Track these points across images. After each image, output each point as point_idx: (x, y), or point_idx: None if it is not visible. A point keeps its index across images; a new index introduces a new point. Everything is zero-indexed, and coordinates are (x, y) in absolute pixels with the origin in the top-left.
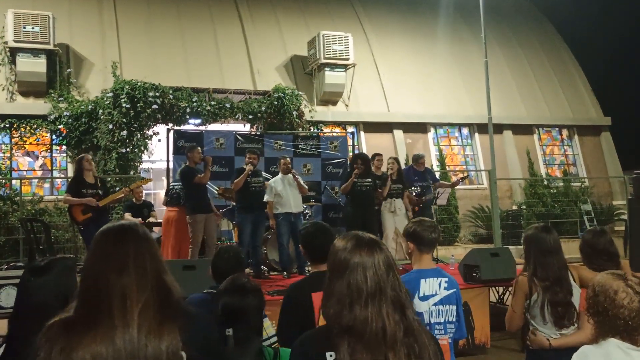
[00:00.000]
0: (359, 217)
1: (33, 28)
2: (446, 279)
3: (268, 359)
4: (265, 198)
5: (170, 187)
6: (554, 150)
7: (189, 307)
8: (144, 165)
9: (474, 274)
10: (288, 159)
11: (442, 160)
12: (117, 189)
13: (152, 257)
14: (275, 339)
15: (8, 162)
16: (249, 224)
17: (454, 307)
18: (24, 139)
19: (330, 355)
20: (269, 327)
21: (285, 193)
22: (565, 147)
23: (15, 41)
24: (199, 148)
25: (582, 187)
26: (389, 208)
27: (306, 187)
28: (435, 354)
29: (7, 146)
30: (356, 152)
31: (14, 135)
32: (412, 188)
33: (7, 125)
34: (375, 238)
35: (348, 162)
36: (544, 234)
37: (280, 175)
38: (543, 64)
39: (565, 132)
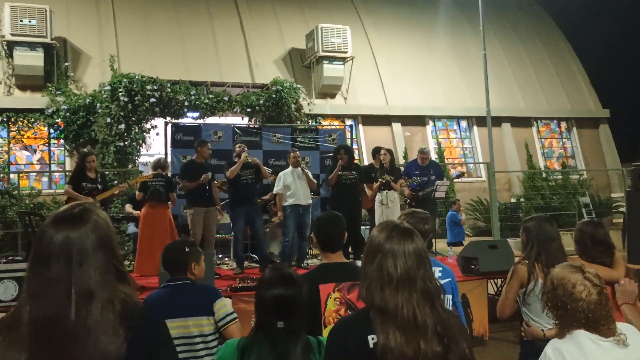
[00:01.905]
0: (346, 209)
1: (30, 21)
2: (440, 268)
3: (314, 348)
4: (275, 190)
5: (149, 182)
6: (553, 142)
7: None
8: (141, 159)
9: (472, 266)
10: (298, 152)
11: (440, 153)
12: (115, 182)
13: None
14: (232, 316)
15: (6, 156)
16: (242, 217)
17: (450, 297)
18: (22, 132)
19: (373, 339)
20: (227, 306)
21: (294, 185)
22: (563, 140)
23: (13, 35)
24: (209, 144)
25: (580, 179)
26: (381, 200)
27: (315, 181)
28: (464, 353)
29: (4, 140)
30: (355, 145)
31: (12, 129)
32: (409, 179)
33: (4, 119)
34: (410, 229)
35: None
36: (546, 224)
37: (290, 168)
38: (542, 57)
39: (563, 125)
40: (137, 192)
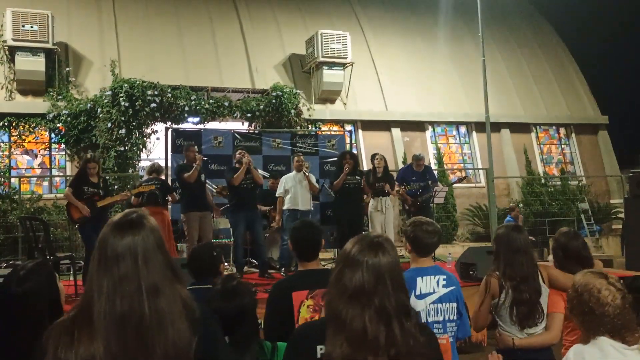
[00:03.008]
0: (347, 214)
1: (32, 27)
2: (444, 277)
3: (267, 353)
4: (277, 194)
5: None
6: (552, 148)
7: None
8: (142, 164)
9: (471, 272)
10: (302, 156)
11: (439, 158)
12: (116, 187)
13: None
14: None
15: (7, 161)
16: (241, 222)
17: (454, 305)
18: (23, 137)
19: (321, 349)
20: None
21: (294, 190)
22: (562, 146)
23: (14, 40)
24: (195, 147)
25: (579, 185)
26: (376, 207)
27: (317, 186)
28: None
29: (5, 145)
30: (355, 150)
31: (13, 134)
32: (407, 186)
33: (5, 124)
34: (381, 242)
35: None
36: (515, 233)
37: (293, 172)
38: (540, 63)
39: (562, 131)
40: (132, 198)
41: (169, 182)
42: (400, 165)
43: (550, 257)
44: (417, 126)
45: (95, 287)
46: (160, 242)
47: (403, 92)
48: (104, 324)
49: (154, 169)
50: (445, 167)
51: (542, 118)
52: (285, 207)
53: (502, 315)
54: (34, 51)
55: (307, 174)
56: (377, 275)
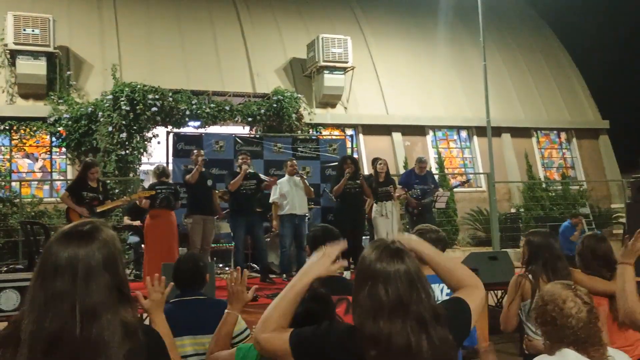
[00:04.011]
0: (349, 219)
1: (33, 30)
2: (445, 285)
3: None
4: (271, 199)
5: (158, 190)
6: (552, 153)
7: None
8: (143, 168)
9: None
10: (295, 161)
11: (440, 163)
12: (117, 191)
13: None
14: (247, 332)
15: (8, 164)
16: (242, 227)
17: None
18: (24, 141)
19: None
20: (240, 322)
21: (290, 194)
22: (563, 150)
23: (16, 43)
24: (197, 151)
25: (580, 190)
26: (380, 212)
27: (312, 189)
28: None
29: (6, 148)
30: (355, 154)
31: (14, 138)
32: (412, 191)
33: (6, 128)
34: (401, 248)
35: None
36: (552, 239)
37: (286, 176)
38: (541, 67)
39: (563, 135)
40: (143, 201)
41: None
42: (402, 170)
43: None
44: (418, 130)
45: (29, 301)
46: (110, 259)
47: (404, 97)
48: (29, 343)
49: (165, 173)
50: (446, 171)
51: (543, 122)
52: (282, 213)
53: (532, 318)
54: (35, 55)
55: (303, 177)
56: (410, 282)
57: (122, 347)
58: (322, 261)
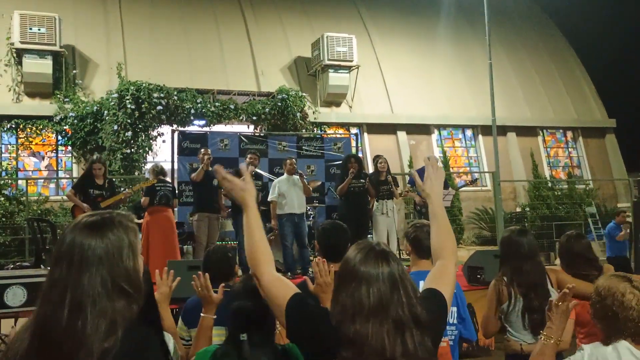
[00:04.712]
0: (353, 218)
1: (39, 29)
2: None
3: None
4: (269, 198)
5: (157, 187)
6: (559, 152)
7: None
8: (148, 166)
9: (478, 276)
10: (294, 159)
11: (445, 161)
12: (122, 189)
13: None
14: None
15: (14, 163)
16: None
17: (455, 309)
18: (30, 139)
19: None
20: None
21: (289, 193)
22: (569, 149)
23: (22, 42)
24: (204, 150)
25: (586, 189)
26: (381, 210)
27: (311, 188)
28: None
29: (13, 147)
30: (360, 153)
31: (20, 136)
32: (414, 187)
33: (13, 126)
34: (386, 250)
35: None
36: (520, 237)
37: (285, 175)
38: (547, 66)
39: (569, 134)
40: (142, 198)
41: (175, 185)
42: (407, 169)
43: (558, 261)
44: (423, 129)
45: (45, 281)
46: (113, 252)
47: (409, 95)
48: (33, 325)
49: (162, 172)
50: (451, 170)
51: (549, 121)
52: (282, 212)
53: (511, 321)
54: (41, 54)
55: (303, 176)
56: (393, 284)
57: (103, 341)
58: (233, 185)
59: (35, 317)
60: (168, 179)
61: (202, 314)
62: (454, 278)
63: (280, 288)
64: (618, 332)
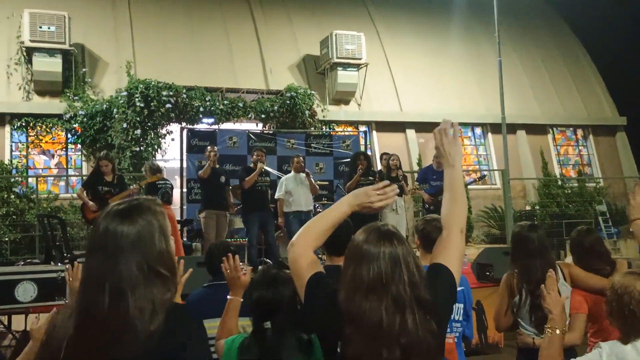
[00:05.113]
0: (361, 215)
1: (49, 28)
2: None
3: (314, 346)
4: (276, 195)
5: (158, 184)
6: (569, 150)
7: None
8: (146, 166)
9: (487, 273)
10: (301, 157)
11: None
12: (131, 186)
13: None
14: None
15: (24, 161)
16: (255, 223)
17: (461, 306)
18: (40, 137)
19: (339, 345)
20: None
21: (296, 191)
22: (580, 147)
23: (32, 41)
24: (210, 147)
25: (597, 187)
26: (390, 207)
27: (317, 186)
28: None
29: (23, 145)
30: (369, 151)
31: (30, 134)
32: (421, 185)
33: (23, 124)
34: (392, 230)
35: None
36: (530, 232)
37: (292, 173)
38: (557, 63)
39: (580, 132)
40: (143, 197)
41: (184, 182)
42: (415, 167)
43: (568, 259)
44: (432, 127)
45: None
46: (144, 237)
47: (418, 93)
48: (77, 313)
49: (159, 170)
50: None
51: (559, 119)
52: (289, 210)
53: (522, 315)
54: (50, 52)
55: (309, 175)
56: (394, 263)
57: (149, 324)
58: (361, 193)
59: (79, 306)
60: (164, 176)
61: (229, 296)
62: (460, 245)
63: (307, 263)
64: (637, 331)
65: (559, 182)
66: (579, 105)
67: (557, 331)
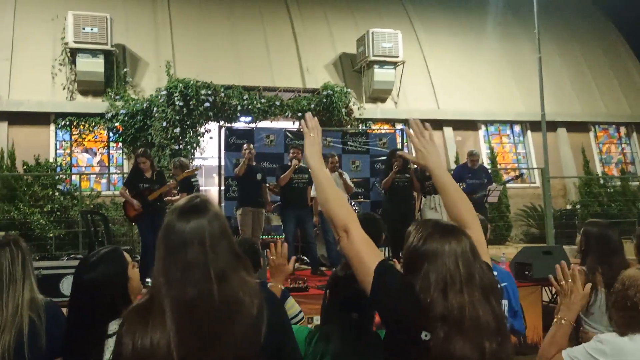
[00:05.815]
0: (397, 213)
1: (92, 29)
2: (495, 273)
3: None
4: (312, 194)
5: (192, 181)
6: (611, 148)
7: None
8: (196, 162)
9: (526, 272)
10: (336, 157)
11: (493, 158)
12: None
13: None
14: (301, 315)
15: (68, 159)
16: (292, 220)
17: (506, 302)
18: (83, 136)
19: (425, 335)
20: (294, 306)
21: None
22: (622, 145)
23: (75, 42)
24: (246, 145)
25: None
26: (429, 205)
27: (352, 185)
28: (508, 354)
29: (67, 143)
30: (405, 149)
31: (74, 133)
32: (461, 184)
33: (67, 123)
34: (450, 224)
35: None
36: (610, 231)
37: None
38: (599, 59)
39: (622, 130)
40: (178, 195)
41: (222, 180)
42: (453, 165)
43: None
44: (470, 125)
45: (163, 274)
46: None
47: (455, 91)
48: (175, 310)
49: (186, 166)
50: (499, 166)
51: (601, 116)
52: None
53: (593, 313)
54: (93, 53)
55: (343, 174)
56: (474, 252)
57: (253, 302)
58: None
59: (176, 302)
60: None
61: (270, 283)
62: (484, 240)
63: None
64: (636, 325)
65: (601, 181)
66: (622, 102)
67: (563, 321)
